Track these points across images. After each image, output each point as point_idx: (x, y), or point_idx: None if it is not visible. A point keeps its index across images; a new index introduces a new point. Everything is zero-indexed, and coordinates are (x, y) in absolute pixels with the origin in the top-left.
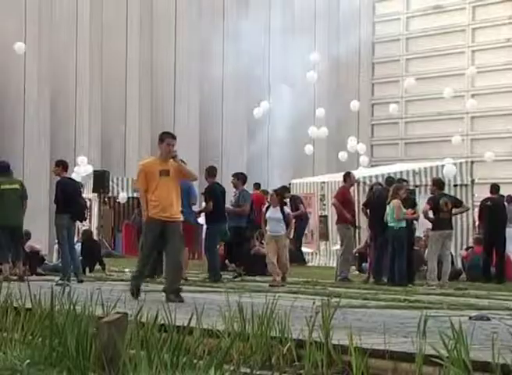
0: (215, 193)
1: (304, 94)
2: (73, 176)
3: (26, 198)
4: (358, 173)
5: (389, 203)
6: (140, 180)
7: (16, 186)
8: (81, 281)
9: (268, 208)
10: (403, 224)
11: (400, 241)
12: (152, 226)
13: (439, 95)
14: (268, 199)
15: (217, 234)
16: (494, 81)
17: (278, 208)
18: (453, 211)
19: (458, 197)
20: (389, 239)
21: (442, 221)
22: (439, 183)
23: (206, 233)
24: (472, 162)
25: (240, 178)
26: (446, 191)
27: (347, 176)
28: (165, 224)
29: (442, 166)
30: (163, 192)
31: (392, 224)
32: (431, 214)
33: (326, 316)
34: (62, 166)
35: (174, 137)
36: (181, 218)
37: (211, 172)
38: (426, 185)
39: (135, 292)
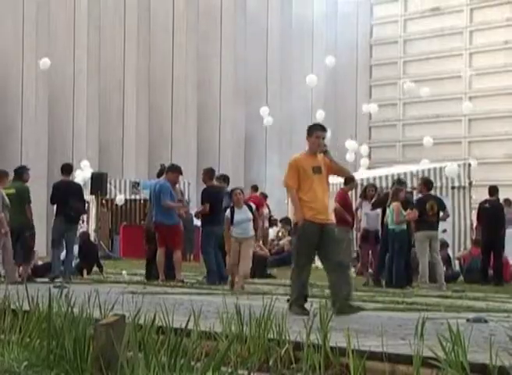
0: (210, 195)
1: (301, 97)
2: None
3: (28, 202)
4: (357, 175)
5: (389, 206)
6: (290, 177)
7: (13, 191)
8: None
9: (232, 210)
10: (404, 226)
11: (401, 243)
12: (309, 231)
13: (436, 98)
14: (233, 199)
15: (211, 237)
16: (492, 83)
17: (245, 207)
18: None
19: (456, 199)
20: (389, 241)
21: (425, 223)
22: (427, 184)
23: (201, 236)
24: (470, 165)
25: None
26: (444, 193)
27: (351, 180)
28: (323, 227)
29: (440, 167)
30: (318, 192)
31: (393, 227)
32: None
33: (324, 318)
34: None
35: (324, 129)
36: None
37: (210, 175)
38: None
39: (302, 312)
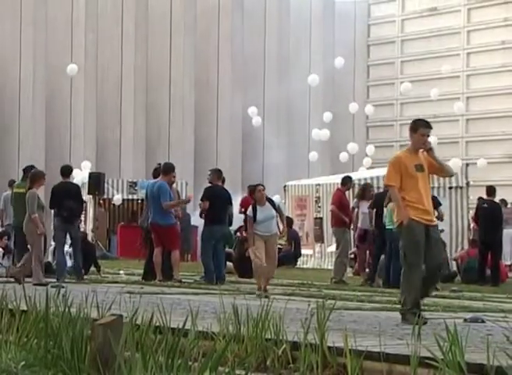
0: (211, 195)
1: (299, 96)
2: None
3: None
4: (354, 176)
5: (386, 206)
6: (392, 175)
7: (23, 191)
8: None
9: (254, 207)
10: None
11: (398, 243)
12: (416, 231)
13: (434, 98)
14: (255, 196)
15: (210, 237)
16: (489, 83)
17: (267, 204)
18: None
19: (453, 199)
20: (387, 241)
21: None
22: None
23: (202, 235)
24: (467, 165)
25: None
26: (441, 193)
27: (348, 181)
28: (428, 228)
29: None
30: (421, 191)
31: (390, 227)
32: None
33: (321, 318)
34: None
35: (429, 126)
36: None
37: (218, 175)
38: None
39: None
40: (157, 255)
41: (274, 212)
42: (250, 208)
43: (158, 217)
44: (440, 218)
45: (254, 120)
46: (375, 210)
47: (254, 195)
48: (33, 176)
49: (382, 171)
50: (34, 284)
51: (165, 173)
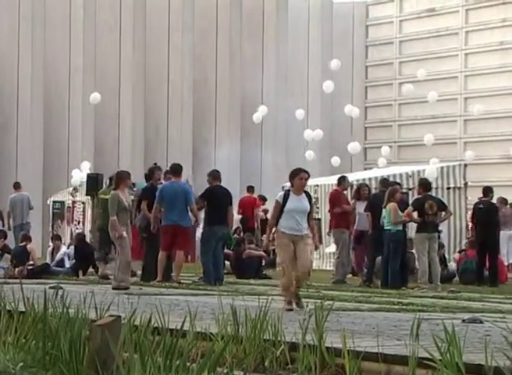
0: (208, 195)
1: (297, 96)
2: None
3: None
4: (352, 177)
5: (385, 206)
6: None
7: (107, 197)
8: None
9: (286, 196)
10: (400, 227)
11: (397, 244)
12: None
13: (431, 101)
14: (292, 184)
15: (210, 237)
16: (487, 84)
17: (304, 195)
18: (438, 216)
19: (451, 200)
20: (385, 242)
21: (427, 224)
22: (425, 185)
23: (202, 235)
24: (465, 165)
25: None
26: (439, 194)
27: (342, 180)
28: None
29: (435, 169)
30: None
31: (389, 227)
32: (415, 215)
33: (319, 318)
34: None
35: None
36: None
37: (214, 175)
38: None
39: None
40: (162, 257)
41: (308, 206)
42: (280, 193)
43: (179, 218)
44: (446, 218)
45: (255, 117)
46: (370, 213)
47: (293, 181)
48: (118, 176)
49: (379, 172)
50: (113, 288)
51: (177, 173)
